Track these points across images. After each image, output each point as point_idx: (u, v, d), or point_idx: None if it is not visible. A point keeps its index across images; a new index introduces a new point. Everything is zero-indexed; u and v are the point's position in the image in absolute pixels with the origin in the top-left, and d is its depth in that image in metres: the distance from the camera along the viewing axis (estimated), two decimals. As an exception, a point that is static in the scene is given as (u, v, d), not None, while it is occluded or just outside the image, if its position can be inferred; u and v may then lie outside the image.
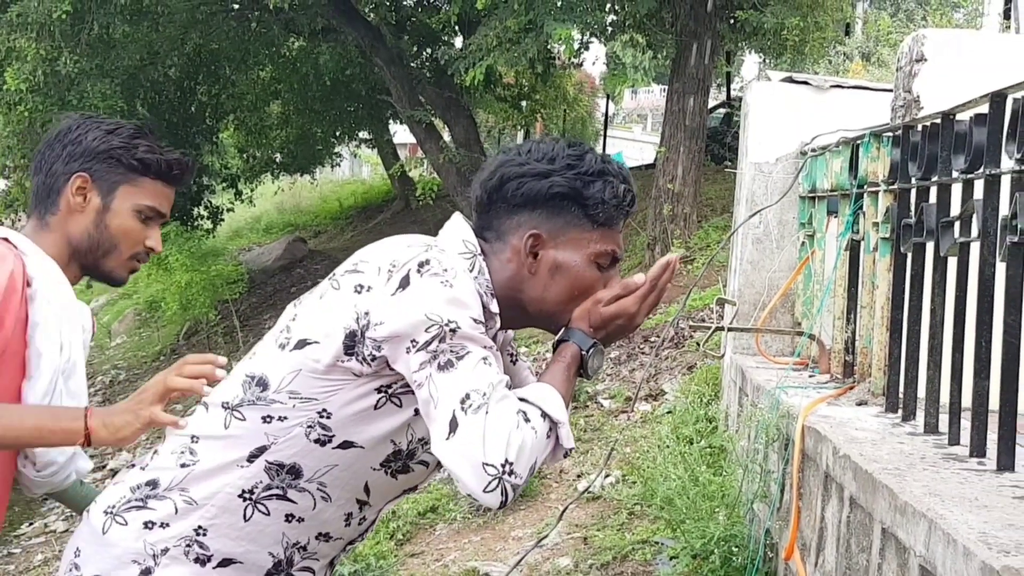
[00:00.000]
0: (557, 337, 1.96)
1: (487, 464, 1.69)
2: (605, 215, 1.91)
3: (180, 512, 1.87)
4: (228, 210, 19.13)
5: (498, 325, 1.92)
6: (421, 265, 1.78)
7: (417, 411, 1.83)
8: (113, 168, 2.22)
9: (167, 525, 1.87)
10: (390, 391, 1.84)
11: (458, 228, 1.93)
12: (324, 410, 1.84)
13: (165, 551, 1.86)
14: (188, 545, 1.87)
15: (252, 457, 1.86)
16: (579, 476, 5.80)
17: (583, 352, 1.91)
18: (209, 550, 1.87)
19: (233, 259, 16.78)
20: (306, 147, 19.39)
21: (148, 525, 1.87)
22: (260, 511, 1.88)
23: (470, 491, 1.72)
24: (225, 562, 1.88)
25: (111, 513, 1.90)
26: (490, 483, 1.69)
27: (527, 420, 1.74)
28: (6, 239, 2.12)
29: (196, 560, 1.87)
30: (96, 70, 12.38)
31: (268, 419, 1.85)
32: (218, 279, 14.58)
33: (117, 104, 12.75)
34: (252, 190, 19.73)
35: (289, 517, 1.90)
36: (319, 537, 1.96)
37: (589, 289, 1.93)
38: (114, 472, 10.44)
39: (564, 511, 5.06)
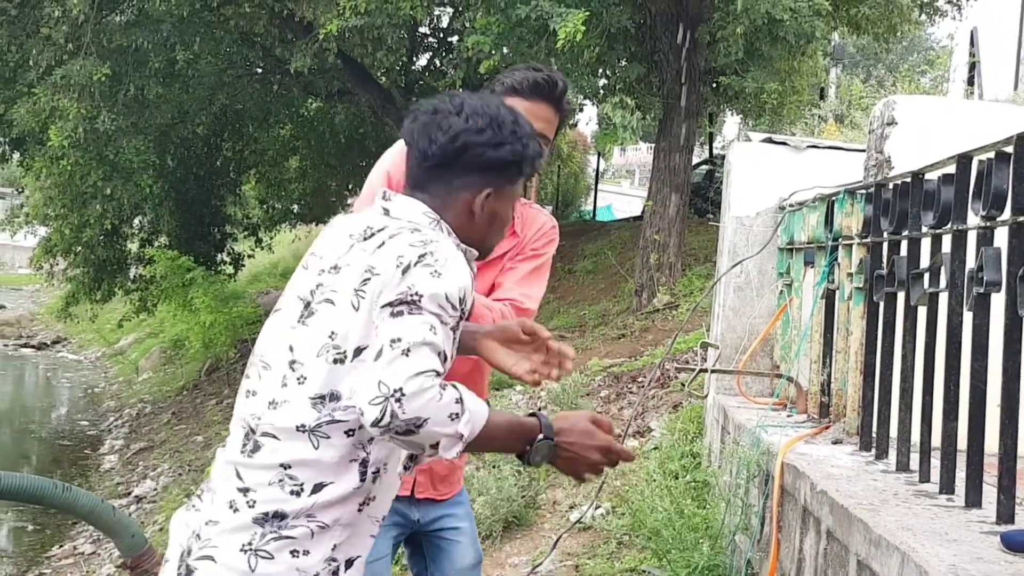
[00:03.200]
0: (531, 412, 2.01)
1: (382, 382, 1.72)
2: (532, 171, 2.04)
3: (316, 536, 1.86)
4: (249, 256, 19.18)
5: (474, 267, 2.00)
6: (421, 256, 1.83)
7: None
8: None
9: (308, 552, 1.86)
10: None
11: (414, 205, 1.98)
12: None
13: None
14: (327, 563, 1.88)
15: (363, 476, 1.88)
16: (571, 507, 5.74)
17: (538, 438, 1.92)
18: (338, 561, 1.89)
19: (252, 301, 16.71)
20: (322, 199, 19.50)
21: (294, 554, 1.85)
22: (366, 512, 1.93)
23: (359, 401, 1.75)
24: (349, 563, 1.91)
25: (251, 550, 1.84)
26: (376, 398, 1.72)
27: (443, 389, 1.76)
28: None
29: (334, 573, 1.89)
30: (131, 127, 12.52)
31: (351, 432, 1.85)
32: (238, 320, 14.58)
33: (150, 158, 12.85)
34: (271, 238, 19.77)
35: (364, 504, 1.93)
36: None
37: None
38: (139, 499, 10.31)
39: (558, 541, 5.01)
